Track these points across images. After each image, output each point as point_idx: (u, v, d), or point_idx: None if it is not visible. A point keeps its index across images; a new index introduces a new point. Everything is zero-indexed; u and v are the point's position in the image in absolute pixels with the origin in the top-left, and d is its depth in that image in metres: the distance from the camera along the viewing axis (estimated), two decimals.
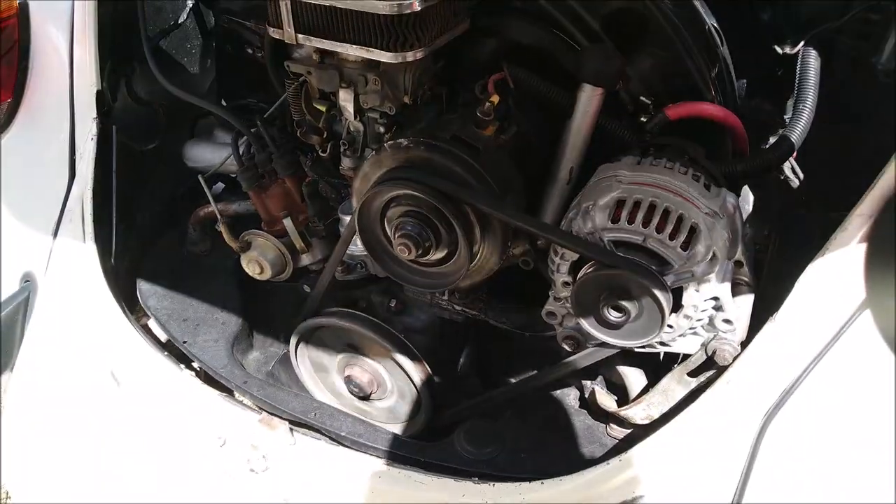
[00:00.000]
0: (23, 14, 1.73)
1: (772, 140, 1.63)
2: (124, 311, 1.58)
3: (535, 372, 1.47)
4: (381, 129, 1.38)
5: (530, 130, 1.40)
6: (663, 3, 1.28)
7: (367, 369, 1.55)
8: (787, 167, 1.58)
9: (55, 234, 1.68)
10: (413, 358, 1.49)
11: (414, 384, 1.50)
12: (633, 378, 1.40)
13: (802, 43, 1.44)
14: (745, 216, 1.60)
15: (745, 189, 1.63)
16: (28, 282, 1.69)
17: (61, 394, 1.57)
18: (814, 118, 1.38)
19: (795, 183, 1.59)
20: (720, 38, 1.39)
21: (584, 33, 1.33)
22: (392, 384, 1.55)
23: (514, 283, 1.47)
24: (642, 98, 1.35)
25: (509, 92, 1.32)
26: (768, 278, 1.44)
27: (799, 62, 1.42)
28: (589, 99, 1.25)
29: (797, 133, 1.34)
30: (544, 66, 1.35)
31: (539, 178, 1.36)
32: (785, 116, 1.61)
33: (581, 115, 1.27)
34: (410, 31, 1.18)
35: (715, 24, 1.39)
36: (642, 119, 1.35)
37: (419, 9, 1.15)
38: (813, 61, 1.41)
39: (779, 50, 1.51)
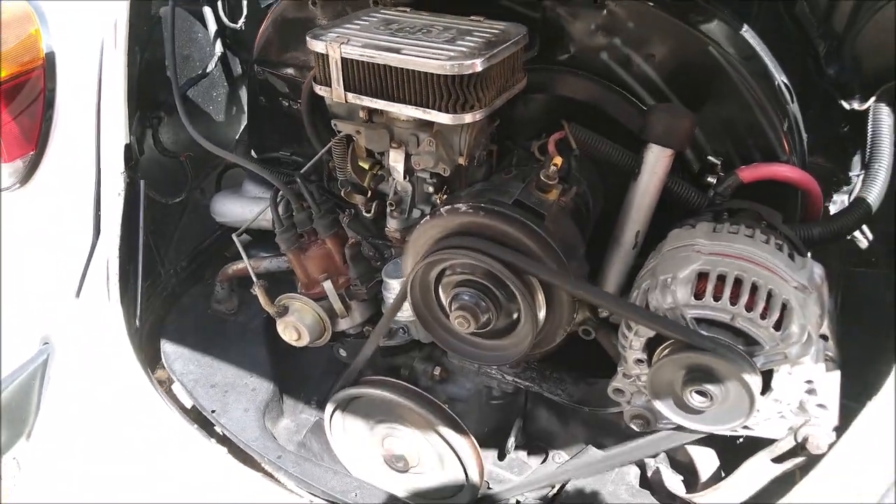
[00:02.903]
0: (49, 65, 1.67)
1: (836, 198, 1.56)
2: (150, 379, 1.48)
3: (593, 449, 1.37)
4: (431, 190, 1.30)
5: (587, 189, 1.32)
6: (733, 58, 1.22)
7: (408, 441, 1.44)
8: None
9: (78, 293, 1.59)
10: (458, 430, 1.38)
11: (459, 458, 1.39)
12: (704, 459, 1.29)
13: (874, 99, 1.36)
14: None
15: None
16: (47, 344, 1.60)
17: (81, 466, 1.47)
18: None
19: (864, 244, 1.51)
20: (790, 94, 1.32)
21: (648, 89, 1.27)
22: (435, 458, 1.44)
23: (568, 351, 1.37)
24: (710, 157, 1.27)
25: (571, 152, 1.24)
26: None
27: (871, 118, 1.34)
28: (657, 160, 1.17)
29: (874, 194, 1.26)
30: (595, 120, 1.28)
31: (602, 239, 1.28)
32: (852, 174, 1.54)
33: (648, 176, 1.19)
34: (471, 91, 1.10)
35: (785, 81, 1.32)
36: (709, 180, 1.27)
37: (480, 69, 1.08)
38: (886, 118, 1.33)
39: (846, 106, 1.44)
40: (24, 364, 1.55)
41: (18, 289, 1.67)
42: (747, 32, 1.29)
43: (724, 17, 1.28)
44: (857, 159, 1.52)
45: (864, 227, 1.51)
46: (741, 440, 1.29)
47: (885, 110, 1.34)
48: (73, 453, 1.52)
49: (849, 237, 1.51)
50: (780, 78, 1.30)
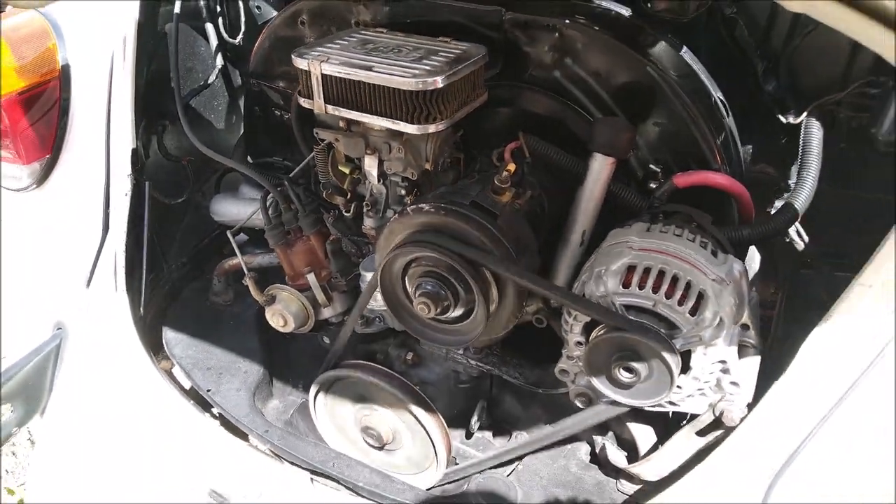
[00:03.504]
0: (64, 76, 1.84)
1: (777, 204, 1.70)
2: (153, 360, 1.64)
3: (547, 426, 1.51)
4: (403, 192, 1.46)
5: (543, 194, 1.47)
6: (670, 77, 1.36)
7: (383, 420, 1.59)
8: (792, 230, 1.63)
9: (88, 283, 1.76)
10: (428, 410, 1.53)
11: (428, 436, 1.54)
12: (643, 435, 1.44)
13: (805, 113, 1.51)
14: (751, 276, 1.66)
15: (752, 250, 1.69)
16: (60, 329, 1.76)
17: (90, 440, 1.63)
18: (818, 182, 1.44)
19: (801, 245, 1.65)
20: (726, 109, 1.47)
21: (596, 104, 1.42)
22: (407, 435, 1.59)
23: (527, 339, 1.52)
24: (651, 166, 1.42)
25: (524, 160, 1.39)
26: (775, 338, 1.49)
27: (802, 132, 1.49)
28: (601, 167, 1.32)
29: (801, 200, 1.40)
30: (555, 132, 1.43)
31: (552, 238, 1.43)
32: (789, 181, 1.68)
33: (593, 182, 1.33)
34: (433, 105, 1.26)
35: (720, 97, 1.47)
36: (651, 186, 1.42)
37: (442, 86, 1.23)
38: (816, 131, 1.48)
39: (783, 119, 1.59)
40: (39, 346, 1.71)
41: (35, 279, 1.84)
42: (686, 54, 1.43)
43: (665, 39, 1.43)
44: (795, 168, 1.66)
45: (801, 231, 1.65)
46: (685, 422, 1.44)
47: (815, 124, 1.49)
48: (83, 427, 1.67)
49: (787, 240, 1.65)
50: (716, 94, 1.45)
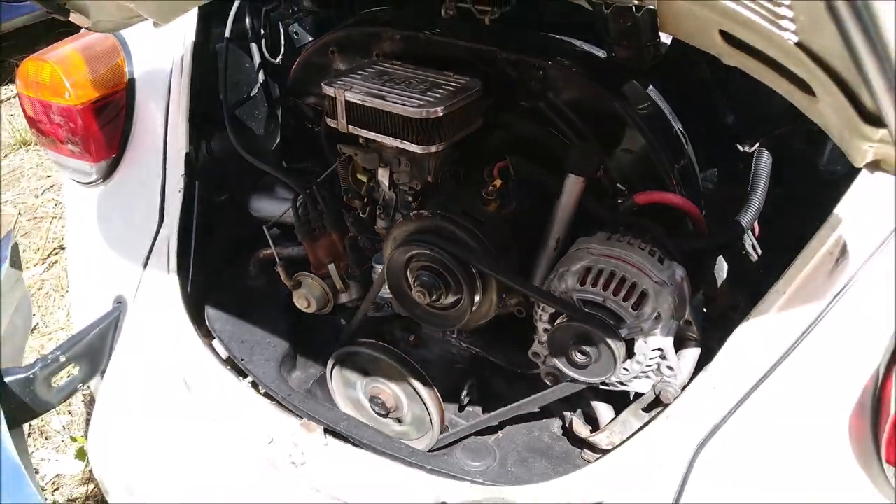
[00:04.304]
0: (130, 87, 2.15)
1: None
2: (197, 332, 1.95)
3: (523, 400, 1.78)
4: (410, 199, 1.74)
5: (526, 206, 1.72)
6: (635, 111, 1.61)
7: (388, 391, 1.88)
8: (747, 244, 1.88)
9: (145, 265, 2.07)
10: (426, 384, 1.81)
11: (425, 406, 1.82)
12: (603, 411, 1.70)
13: (757, 144, 1.75)
14: (720, 283, 1.91)
15: (721, 260, 1.93)
16: (120, 303, 2.08)
17: (143, 396, 1.94)
18: (776, 202, 1.68)
19: (755, 257, 1.89)
20: (685, 139, 1.72)
21: (573, 131, 1.67)
22: (407, 405, 1.87)
23: (512, 327, 1.79)
24: (619, 185, 1.68)
25: (510, 176, 1.66)
26: None
27: (754, 160, 1.73)
28: (573, 186, 1.58)
29: (747, 218, 1.64)
30: (541, 153, 1.69)
31: (533, 243, 1.70)
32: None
33: (566, 198, 1.59)
34: (434, 130, 1.53)
35: (680, 128, 1.72)
36: (619, 202, 1.68)
37: (442, 114, 1.51)
38: (765, 160, 1.71)
39: (740, 148, 1.83)
40: (102, 317, 2.02)
41: (99, 260, 2.16)
42: (652, 91, 1.69)
43: (634, 78, 1.68)
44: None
45: (755, 245, 1.89)
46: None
47: (765, 153, 1.72)
48: (136, 387, 1.99)
49: (743, 252, 1.90)
50: (677, 126, 1.70)
